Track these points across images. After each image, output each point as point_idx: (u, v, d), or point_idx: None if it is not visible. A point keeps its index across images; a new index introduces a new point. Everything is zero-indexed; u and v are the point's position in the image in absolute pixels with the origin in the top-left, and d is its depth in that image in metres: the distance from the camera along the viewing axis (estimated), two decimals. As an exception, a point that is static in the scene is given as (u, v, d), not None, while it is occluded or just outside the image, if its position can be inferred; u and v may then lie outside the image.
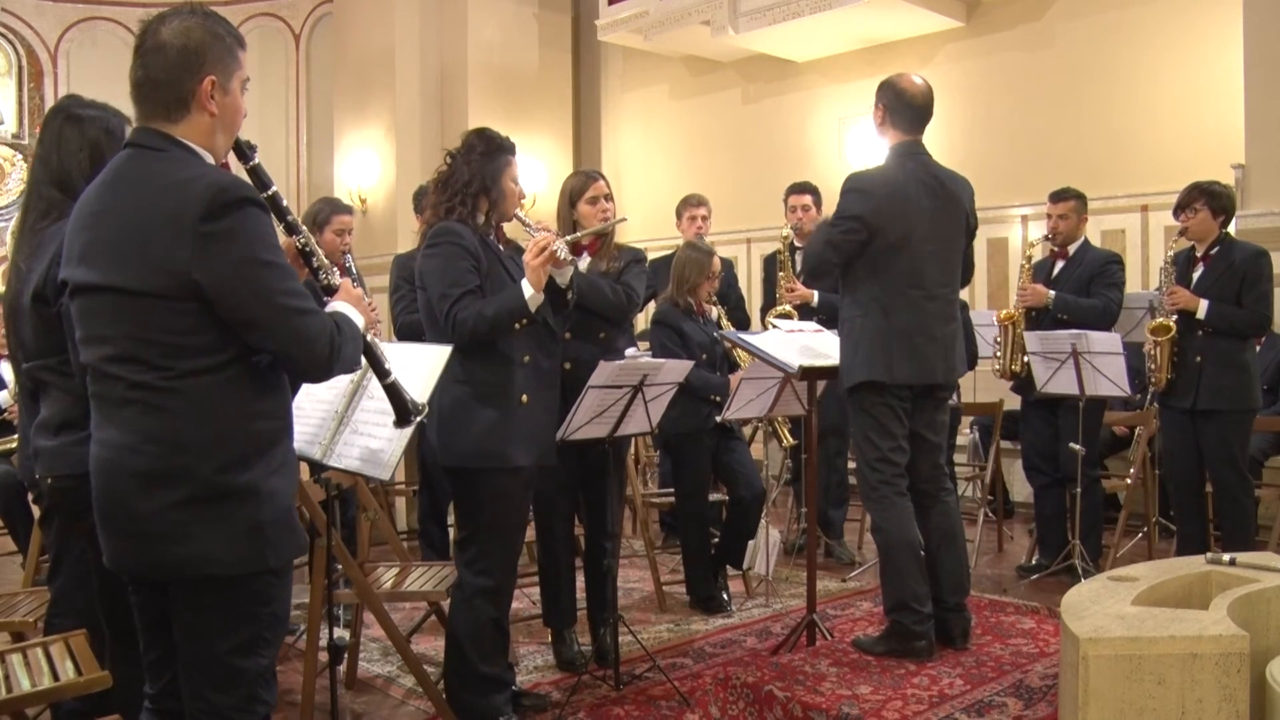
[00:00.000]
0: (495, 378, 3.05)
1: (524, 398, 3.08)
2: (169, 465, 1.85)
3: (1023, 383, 5.00)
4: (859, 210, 3.45)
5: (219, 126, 1.97)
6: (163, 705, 2.06)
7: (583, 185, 3.82)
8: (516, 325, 3.02)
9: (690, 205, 5.66)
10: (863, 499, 3.69)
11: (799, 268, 3.71)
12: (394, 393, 2.29)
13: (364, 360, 2.20)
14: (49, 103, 9.44)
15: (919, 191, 3.49)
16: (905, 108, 3.55)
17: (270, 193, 2.05)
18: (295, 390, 2.07)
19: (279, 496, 1.95)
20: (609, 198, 3.82)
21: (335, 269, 2.21)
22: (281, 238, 2.04)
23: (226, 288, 1.84)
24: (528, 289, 3.02)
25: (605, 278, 3.76)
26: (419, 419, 2.35)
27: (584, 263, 3.85)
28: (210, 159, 1.96)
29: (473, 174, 3.15)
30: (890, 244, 3.44)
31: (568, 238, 3.68)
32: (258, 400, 1.93)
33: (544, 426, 3.17)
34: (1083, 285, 4.92)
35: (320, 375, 2.03)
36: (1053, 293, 4.90)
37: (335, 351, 1.97)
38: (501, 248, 3.24)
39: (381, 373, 2.28)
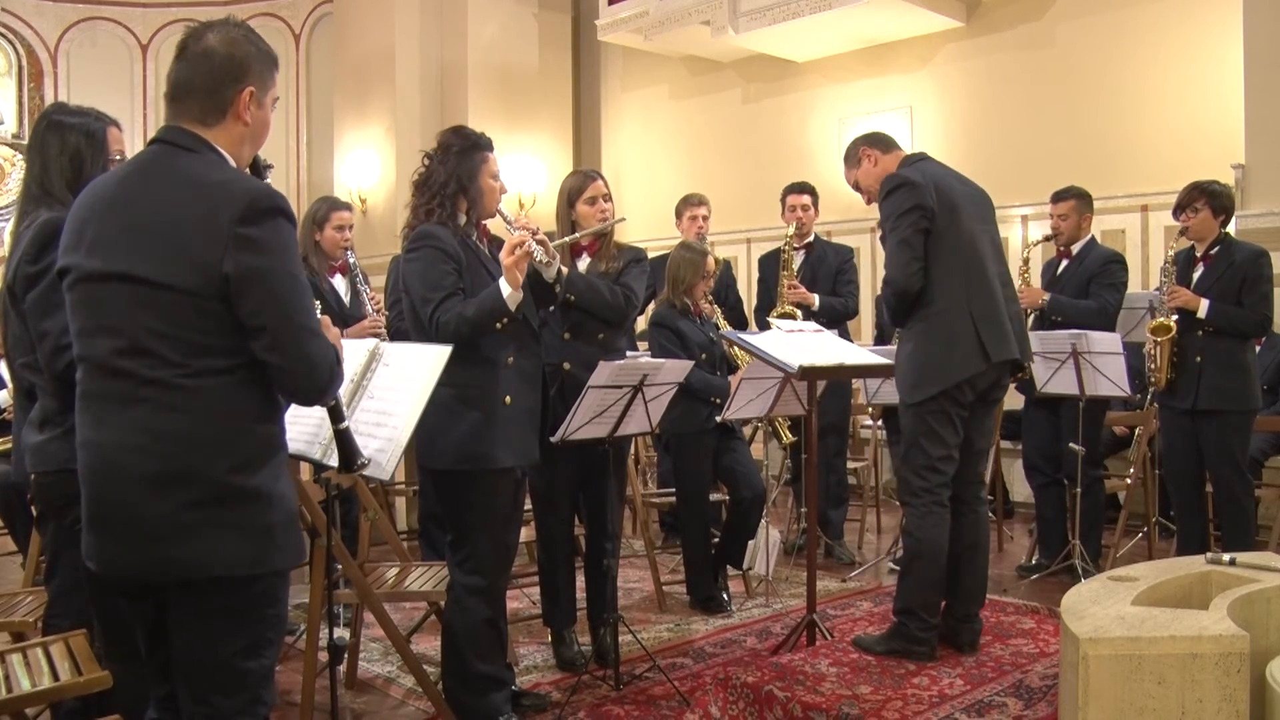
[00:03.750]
0: (479, 380, 3.03)
1: (507, 399, 3.07)
2: (181, 466, 1.85)
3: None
4: (913, 201, 3.42)
5: (248, 137, 2.01)
6: (172, 703, 2.05)
7: (581, 185, 3.81)
8: (498, 325, 3.00)
9: (690, 205, 5.66)
10: (901, 501, 3.67)
11: (883, 280, 3.71)
12: (343, 440, 2.25)
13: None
14: (49, 103, 9.43)
15: (949, 179, 3.53)
16: (879, 138, 3.73)
17: None
18: (285, 408, 2.06)
19: (286, 500, 1.96)
20: (607, 198, 3.81)
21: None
22: None
23: (250, 289, 1.85)
24: (505, 288, 2.99)
25: (604, 278, 3.75)
26: (359, 472, 2.31)
27: (583, 263, 3.85)
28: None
29: (449, 174, 3.14)
30: (947, 227, 3.41)
31: (566, 239, 3.68)
32: (264, 405, 1.94)
33: (526, 427, 3.15)
34: (1083, 285, 4.92)
35: (313, 399, 2.05)
36: (1048, 294, 4.91)
37: (333, 381, 2.00)
38: (484, 246, 3.22)
39: (337, 418, 2.23)
